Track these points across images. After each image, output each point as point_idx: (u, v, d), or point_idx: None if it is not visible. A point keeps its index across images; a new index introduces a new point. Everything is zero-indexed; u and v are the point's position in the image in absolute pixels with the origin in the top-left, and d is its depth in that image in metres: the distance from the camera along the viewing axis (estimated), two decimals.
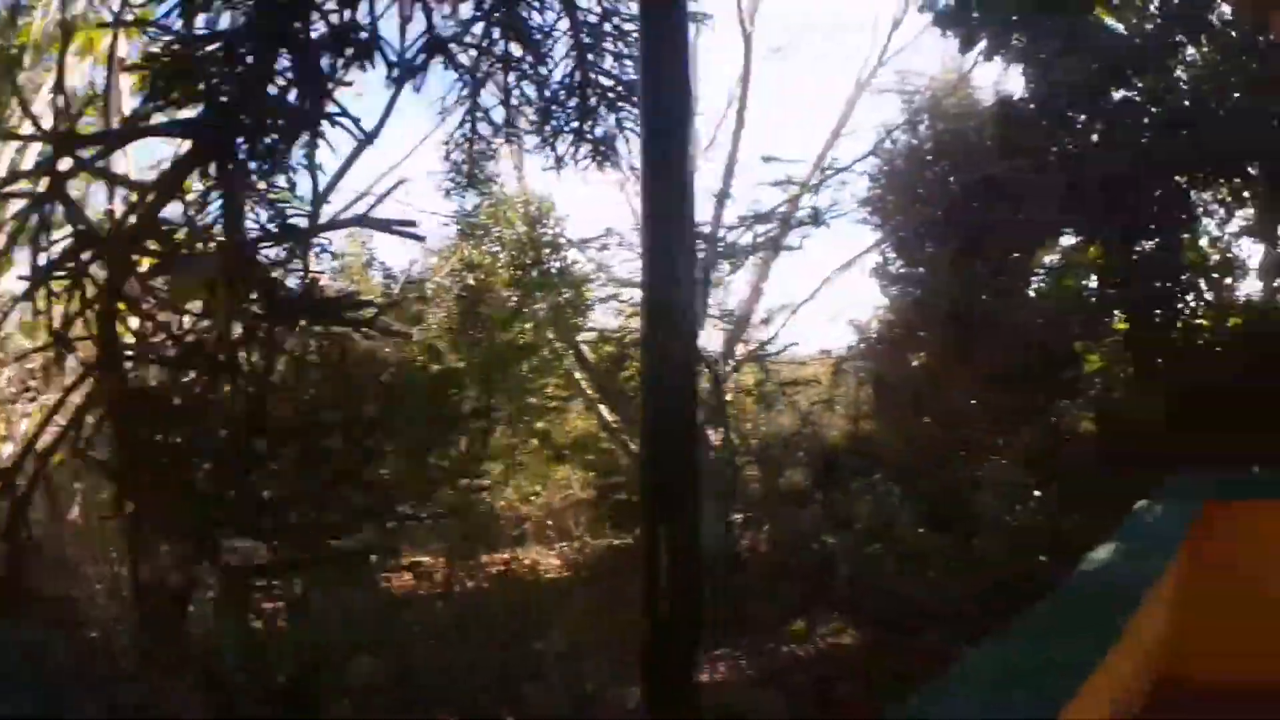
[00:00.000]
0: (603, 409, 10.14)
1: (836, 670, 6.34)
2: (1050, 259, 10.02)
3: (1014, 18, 8.29)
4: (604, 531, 10.04)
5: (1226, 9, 8.39)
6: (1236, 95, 8.47)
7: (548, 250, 10.13)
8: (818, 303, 11.08)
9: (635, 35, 3.76)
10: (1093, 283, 9.78)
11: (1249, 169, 8.80)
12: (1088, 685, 1.64)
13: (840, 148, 11.32)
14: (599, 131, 4.39)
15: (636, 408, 8.60)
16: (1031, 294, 9.73)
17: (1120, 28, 9.09)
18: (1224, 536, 3.43)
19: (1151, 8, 9.07)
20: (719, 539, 7.66)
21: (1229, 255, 9.41)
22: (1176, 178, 8.83)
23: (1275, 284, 9.14)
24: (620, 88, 4.27)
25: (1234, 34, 8.53)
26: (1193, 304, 9.24)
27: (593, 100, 4.24)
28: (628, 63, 4.14)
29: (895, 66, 11.41)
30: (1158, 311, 8.97)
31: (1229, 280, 9.36)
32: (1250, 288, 9.40)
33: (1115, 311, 9.31)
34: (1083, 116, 9.26)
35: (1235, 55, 8.61)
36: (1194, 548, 3.27)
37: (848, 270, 10.82)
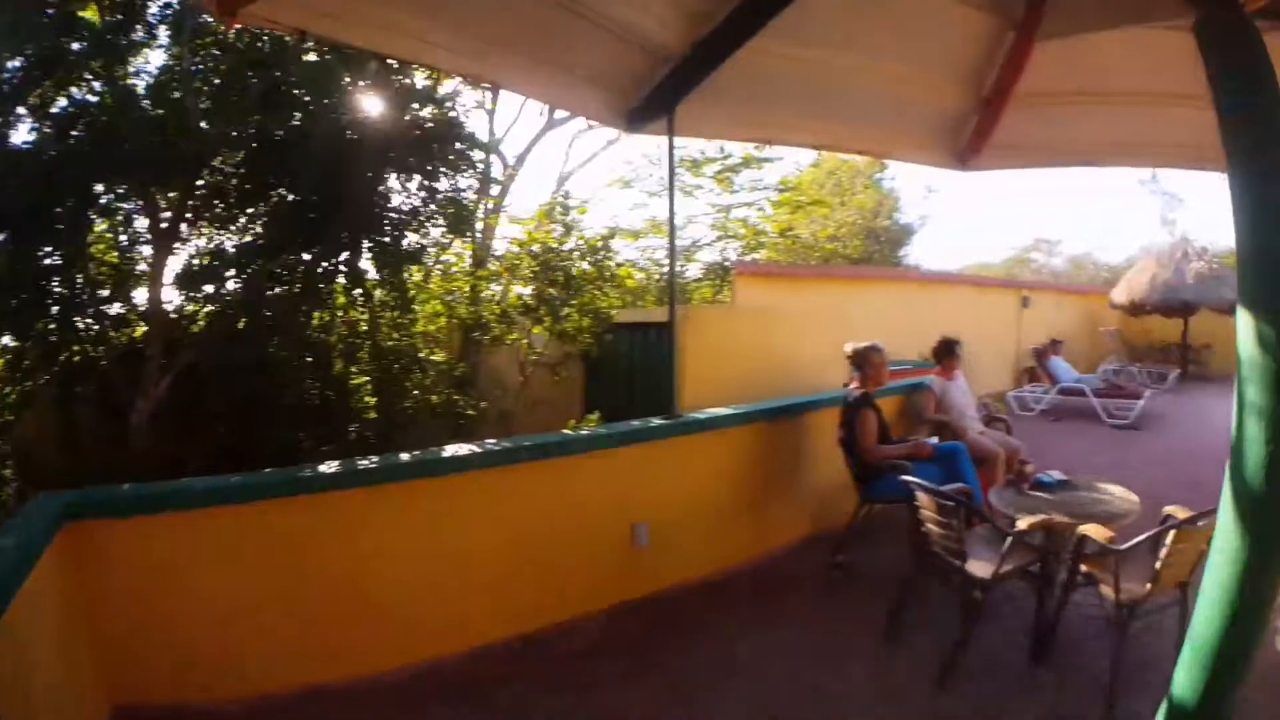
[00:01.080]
0: None
1: None
2: None
3: None
4: None
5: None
6: (204, 104, 7.81)
7: None
8: None
9: None
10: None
11: (174, 179, 7.98)
12: None
13: None
14: None
15: None
16: None
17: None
18: (100, 556, 3.10)
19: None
20: None
21: (138, 267, 8.55)
22: (97, 186, 7.83)
23: (178, 296, 8.46)
24: None
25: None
26: (93, 317, 8.27)
27: None
28: None
29: None
30: (46, 325, 7.77)
31: (142, 290, 8.56)
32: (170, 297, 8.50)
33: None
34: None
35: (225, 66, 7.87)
36: (64, 572, 2.92)
37: None
